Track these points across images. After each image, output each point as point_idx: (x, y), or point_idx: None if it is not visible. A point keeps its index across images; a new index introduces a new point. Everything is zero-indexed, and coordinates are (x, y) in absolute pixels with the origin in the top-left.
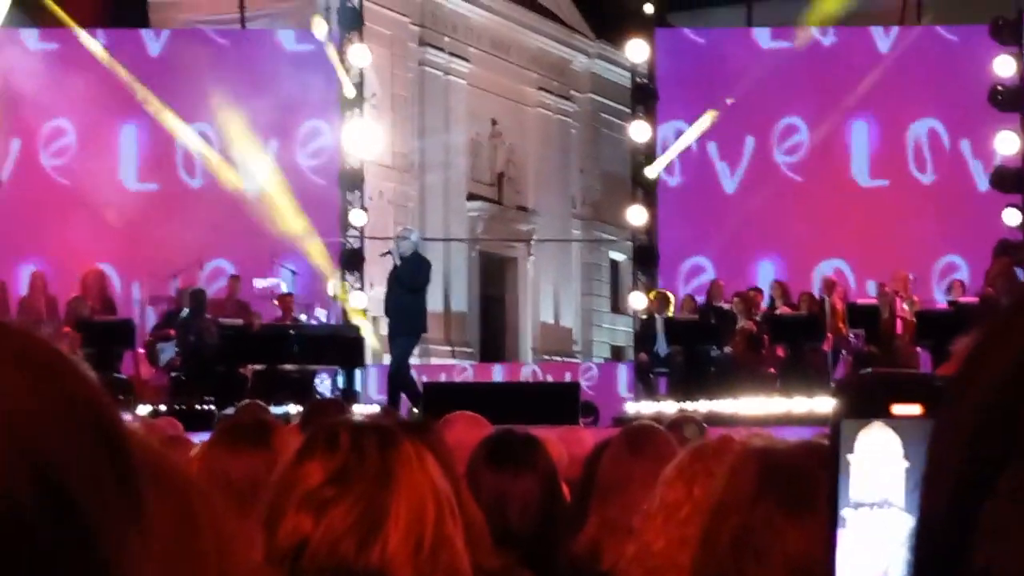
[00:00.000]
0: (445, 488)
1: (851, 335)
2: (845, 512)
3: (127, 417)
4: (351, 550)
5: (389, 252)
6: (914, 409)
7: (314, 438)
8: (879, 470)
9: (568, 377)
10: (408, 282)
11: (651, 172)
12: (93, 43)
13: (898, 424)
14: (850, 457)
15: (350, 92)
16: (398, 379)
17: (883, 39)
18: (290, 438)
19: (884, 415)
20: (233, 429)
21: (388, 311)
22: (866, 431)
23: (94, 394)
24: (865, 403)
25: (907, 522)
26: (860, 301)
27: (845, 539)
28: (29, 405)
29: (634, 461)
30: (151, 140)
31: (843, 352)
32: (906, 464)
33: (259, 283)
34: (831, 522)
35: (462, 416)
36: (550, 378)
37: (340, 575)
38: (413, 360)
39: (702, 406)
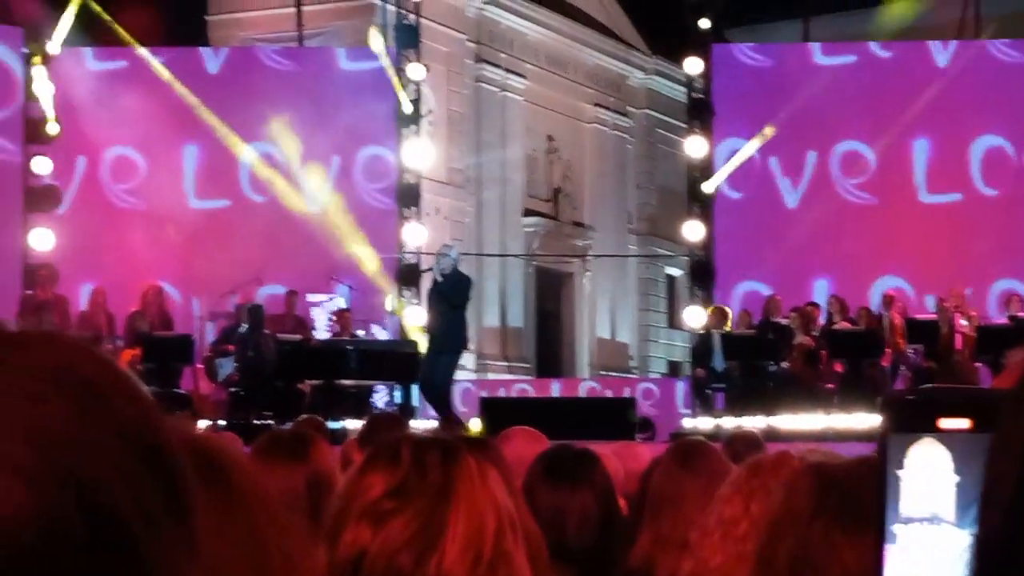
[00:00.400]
0: (507, 504)
1: (910, 350)
2: (896, 527)
3: (202, 427)
4: (408, 564)
5: (431, 269)
6: (962, 423)
7: (377, 452)
8: (929, 485)
9: (628, 392)
10: (452, 299)
11: (708, 187)
12: (155, 62)
13: (948, 439)
14: (900, 472)
15: (407, 109)
16: (446, 397)
17: (941, 54)
18: (329, 451)
19: (932, 430)
20: (271, 443)
21: (430, 329)
22: (916, 446)
23: (142, 413)
24: (913, 418)
25: (958, 537)
26: (919, 316)
27: (895, 554)
28: (71, 428)
29: (684, 476)
30: (213, 158)
31: (902, 368)
32: (956, 479)
33: (313, 297)
34: (879, 536)
35: (520, 431)
36: (609, 393)
37: None
38: (468, 375)
39: (759, 422)
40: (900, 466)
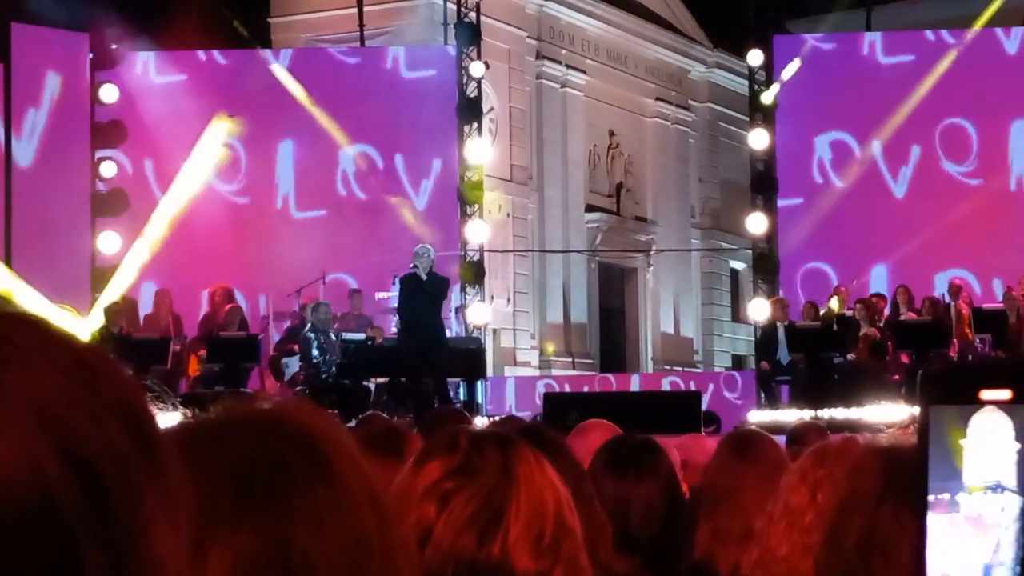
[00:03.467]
0: (563, 490)
1: (977, 340)
2: (959, 496)
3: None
4: (472, 541)
5: (416, 267)
6: (1003, 394)
7: (433, 443)
8: (992, 454)
9: (711, 388)
10: (439, 298)
11: (767, 98)
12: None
13: (1009, 407)
14: (963, 442)
15: (468, 106)
16: (447, 393)
17: (1009, 40)
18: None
19: (973, 401)
20: (365, 439)
21: (415, 328)
22: (978, 415)
23: (123, 384)
24: (953, 389)
25: (1020, 504)
26: (986, 305)
27: (957, 523)
28: (60, 395)
29: (740, 467)
30: (305, 162)
31: (969, 358)
32: (1018, 446)
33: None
34: (921, 507)
35: (596, 424)
36: (693, 386)
37: (462, 568)
38: (531, 372)
39: (826, 414)
40: (963, 435)
